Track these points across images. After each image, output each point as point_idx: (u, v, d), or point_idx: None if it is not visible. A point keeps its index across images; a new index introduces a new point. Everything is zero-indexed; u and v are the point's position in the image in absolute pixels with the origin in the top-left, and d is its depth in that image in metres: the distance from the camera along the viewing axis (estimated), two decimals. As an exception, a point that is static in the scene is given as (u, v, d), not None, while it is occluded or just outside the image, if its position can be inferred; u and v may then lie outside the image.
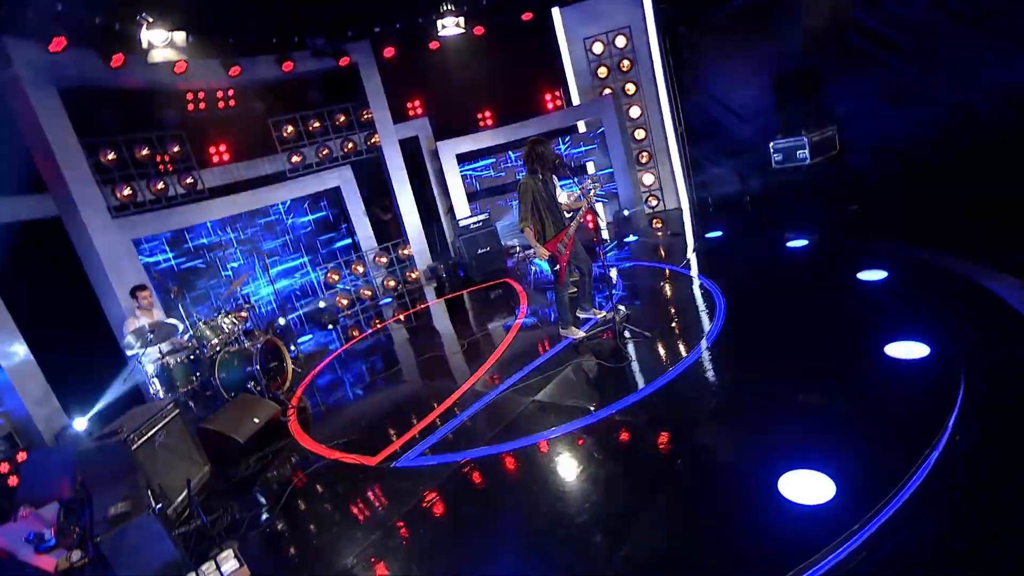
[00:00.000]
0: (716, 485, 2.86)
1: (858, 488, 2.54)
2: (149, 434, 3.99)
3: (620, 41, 9.63)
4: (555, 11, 9.55)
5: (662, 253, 7.53)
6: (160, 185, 7.17)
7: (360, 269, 9.48)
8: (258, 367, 5.58)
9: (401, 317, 8.10)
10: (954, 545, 2.19)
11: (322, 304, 8.80)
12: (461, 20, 7.66)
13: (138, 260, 6.92)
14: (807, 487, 2.61)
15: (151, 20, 5.57)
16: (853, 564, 2.21)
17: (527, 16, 8.11)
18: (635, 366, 4.39)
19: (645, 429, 3.53)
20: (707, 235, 7.85)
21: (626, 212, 9.25)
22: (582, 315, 5.49)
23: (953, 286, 4.37)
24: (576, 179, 5.47)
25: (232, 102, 8.26)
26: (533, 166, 4.90)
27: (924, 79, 6.96)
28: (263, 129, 8.64)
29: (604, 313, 5.33)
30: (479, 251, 8.75)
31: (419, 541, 3.02)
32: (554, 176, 5.18)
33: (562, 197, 5.33)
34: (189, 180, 7.53)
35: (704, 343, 4.42)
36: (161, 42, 5.76)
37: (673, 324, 5.09)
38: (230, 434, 4.58)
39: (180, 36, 5.84)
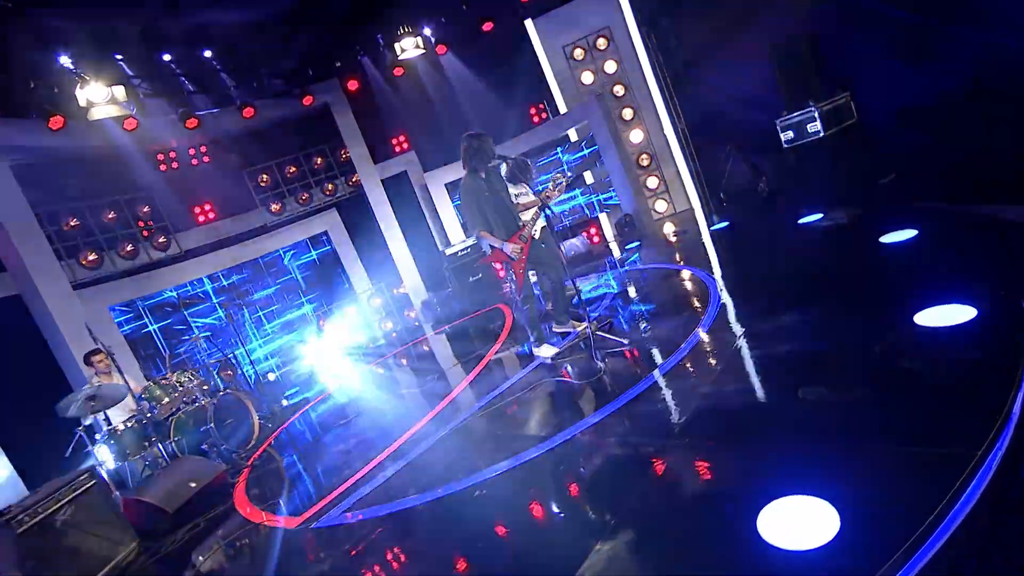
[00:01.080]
0: (684, 524, 2.03)
1: (877, 519, 1.68)
2: (47, 512, 3.49)
3: (601, 43, 9.11)
4: (528, 23, 9.19)
5: (665, 254, 6.73)
6: (129, 248, 7.00)
7: (355, 313, 9.07)
8: (212, 425, 5.09)
9: (390, 358, 7.54)
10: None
11: (318, 355, 8.38)
12: (419, 40, 7.36)
13: (114, 330, 6.66)
14: (801, 522, 1.76)
15: (86, 78, 5.44)
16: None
17: (488, 26, 7.72)
18: (607, 381, 3.59)
19: (599, 457, 2.73)
20: (714, 228, 7.00)
21: (629, 217, 8.51)
22: (559, 330, 4.74)
23: (1004, 236, 3.40)
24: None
25: (206, 158, 8.18)
26: (472, 164, 4.27)
27: (941, 26, 6.04)
28: (242, 181, 8.52)
29: (583, 325, 4.55)
30: (471, 279, 8.16)
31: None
32: (505, 177, 4.58)
33: (523, 198, 4.72)
34: (162, 240, 7.36)
35: (688, 344, 3.59)
36: (102, 99, 5.62)
37: (657, 328, 4.26)
38: (158, 504, 4.02)
39: (120, 91, 5.71)
